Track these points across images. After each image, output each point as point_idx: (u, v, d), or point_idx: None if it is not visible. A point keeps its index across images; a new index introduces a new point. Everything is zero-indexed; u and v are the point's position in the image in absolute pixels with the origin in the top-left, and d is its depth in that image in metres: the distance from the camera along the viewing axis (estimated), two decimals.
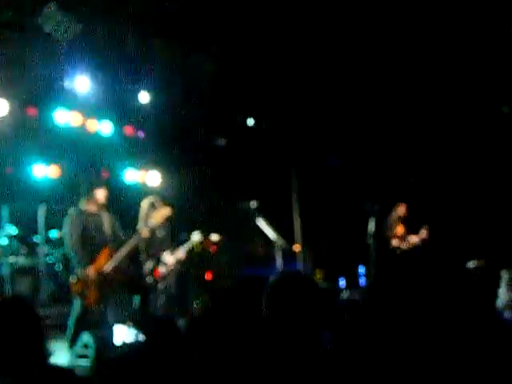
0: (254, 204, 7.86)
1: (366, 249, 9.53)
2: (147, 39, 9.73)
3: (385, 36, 9.86)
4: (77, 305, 6.91)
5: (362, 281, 11.07)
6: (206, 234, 10.62)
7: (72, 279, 6.95)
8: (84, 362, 5.69)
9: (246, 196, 8.12)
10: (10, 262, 9.06)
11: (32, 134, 9.84)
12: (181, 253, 8.12)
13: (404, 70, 10.40)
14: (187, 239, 8.27)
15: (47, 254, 9.67)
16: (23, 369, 2.48)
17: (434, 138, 11.20)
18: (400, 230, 10.23)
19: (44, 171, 9.93)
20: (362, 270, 11.14)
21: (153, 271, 7.89)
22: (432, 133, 11.19)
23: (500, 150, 10.75)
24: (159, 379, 2.41)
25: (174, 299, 8.22)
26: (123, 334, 5.84)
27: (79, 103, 10.08)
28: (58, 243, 9.47)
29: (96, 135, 10.56)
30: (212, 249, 10.64)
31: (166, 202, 8.11)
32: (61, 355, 6.28)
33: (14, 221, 9.44)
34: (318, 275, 10.87)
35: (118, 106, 10.64)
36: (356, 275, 11.12)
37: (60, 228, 8.02)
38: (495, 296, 4.73)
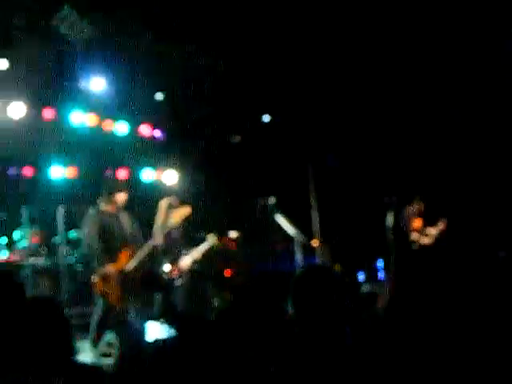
0: (272, 200, 7.87)
1: (385, 242, 9.50)
2: (160, 38, 9.75)
3: (385, 36, 9.89)
4: (100, 304, 6.96)
5: (381, 274, 11.05)
6: (223, 233, 10.66)
7: (94, 279, 6.99)
8: (108, 361, 5.72)
9: (264, 192, 8.12)
10: (31, 263, 9.14)
11: (49, 135, 9.91)
12: (197, 253, 8.17)
13: (417, 59, 10.38)
14: (204, 239, 8.31)
15: (67, 255, 9.72)
16: (53, 366, 2.51)
17: (452, 130, 11.14)
18: (418, 222, 10.18)
19: (62, 172, 10.00)
20: (380, 263, 11.12)
21: (170, 270, 7.93)
22: (449, 125, 11.13)
23: None
24: (191, 374, 2.42)
25: (192, 297, 8.26)
26: (156, 331, 5.88)
27: (95, 104, 10.13)
28: (78, 244, 9.52)
29: (112, 135, 10.61)
30: (231, 246, 10.64)
31: (183, 201, 8.13)
32: (84, 354, 6.31)
33: (34, 222, 9.51)
34: (337, 269, 10.85)
35: (133, 105, 10.68)
36: (375, 269, 11.10)
37: (79, 228, 8.07)
38: None
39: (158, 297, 7.63)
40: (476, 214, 10.54)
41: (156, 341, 5.03)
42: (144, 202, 9.26)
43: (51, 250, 9.71)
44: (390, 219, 9.38)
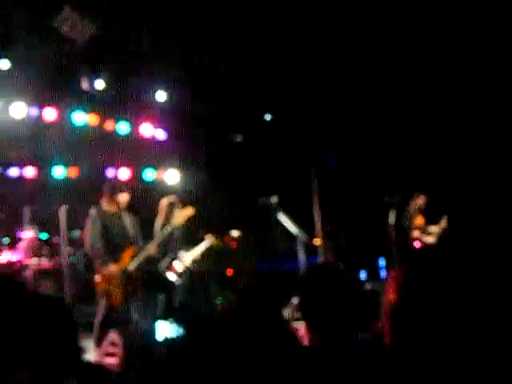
0: (274, 199, 7.86)
1: (386, 241, 9.49)
2: (162, 38, 9.75)
3: (385, 36, 9.90)
4: (103, 303, 6.96)
5: (383, 273, 11.04)
6: (225, 232, 10.67)
7: (97, 278, 7.00)
8: (112, 360, 5.72)
9: (266, 191, 8.11)
10: (33, 263, 9.14)
11: (50, 135, 9.92)
12: (196, 253, 8.19)
13: (416, 59, 10.39)
14: (203, 239, 8.34)
15: (70, 255, 9.71)
16: (64, 366, 2.51)
17: (451, 128, 11.15)
18: (420, 220, 10.20)
19: (63, 172, 10.00)
20: (382, 262, 11.12)
21: (168, 269, 7.94)
22: (449, 122, 11.14)
23: None
24: (201, 372, 2.42)
25: (194, 296, 8.27)
26: (165, 330, 5.89)
27: (96, 103, 10.14)
28: (80, 243, 9.51)
29: (114, 135, 10.61)
30: (232, 245, 10.66)
31: (185, 201, 8.14)
32: (88, 354, 6.31)
33: (36, 222, 9.50)
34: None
35: (134, 105, 10.69)
36: (376, 267, 11.10)
37: (82, 228, 8.07)
38: None
39: (160, 297, 7.64)
40: (478, 211, 10.54)
41: (165, 340, 5.03)
42: (146, 201, 9.26)
43: (53, 250, 9.70)
44: (392, 217, 9.38)
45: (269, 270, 10.58)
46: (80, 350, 2.72)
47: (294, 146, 11.34)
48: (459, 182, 10.96)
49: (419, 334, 2.76)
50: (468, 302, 3.02)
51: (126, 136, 10.83)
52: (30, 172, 9.97)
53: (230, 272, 10.33)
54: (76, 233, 9.77)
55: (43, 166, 9.91)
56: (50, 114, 9.83)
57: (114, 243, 7.10)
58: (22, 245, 9.34)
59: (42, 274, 9.27)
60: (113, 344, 5.87)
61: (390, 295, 3.87)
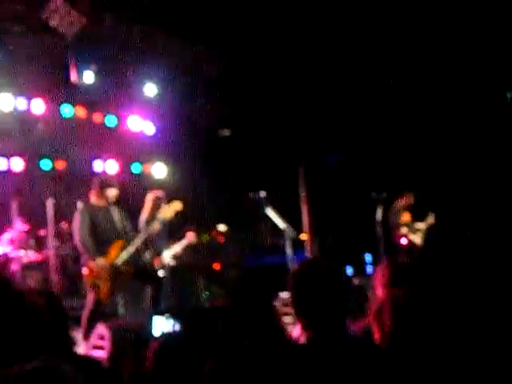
0: (262, 194, 7.87)
1: (373, 237, 9.54)
2: (152, 31, 9.73)
3: (379, 36, 9.93)
4: (90, 297, 6.96)
5: (369, 268, 11.10)
6: (212, 226, 10.68)
7: (84, 271, 6.99)
8: (100, 353, 5.72)
9: (254, 186, 8.12)
10: (20, 255, 9.09)
11: (38, 127, 9.87)
12: (176, 249, 8.20)
13: (413, 55, 10.43)
14: (183, 235, 8.36)
15: (57, 248, 9.67)
16: (54, 355, 2.52)
17: (441, 126, 11.21)
18: (407, 216, 10.26)
19: (51, 165, 9.96)
20: (368, 258, 11.18)
21: (152, 261, 7.94)
22: (438, 120, 11.20)
23: (506, 137, 10.75)
24: (198, 367, 2.43)
25: (180, 290, 8.28)
26: (161, 325, 5.89)
27: (85, 96, 10.10)
28: (68, 236, 9.48)
29: (102, 128, 10.58)
30: (220, 239, 10.67)
31: (171, 195, 8.13)
32: (76, 347, 6.31)
33: (23, 215, 9.45)
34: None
35: (123, 98, 10.66)
36: (363, 263, 11.15)
37: (69, 221, 8.04)
38: None
39: (148, 289, 7.64)
40: (465, 209, 10.62)
41: (162, 335, 5.05)
42: (133, 195, 9.24)
43: (40, 243, 9.66)
44: (379, 214, 9.42)
45: (257, 264, 10.60)
46: (72, 342, 2.74)
47: (282, 140, 11.36)
48: (446, 179, 11.03)
49: (409, 329, 2.79)
50: (455, 298, 3.06)
51: (115, 128, 10.80)
52: (17, 164, 9.90)
53: (217, 266, 10.35)
54: (64, 226, 9.73)
55: (31, 158, 9.85)
56: (37, 106, 9.77)
57: (102, 237, 7.09)
58: (8, 237, 9.29)
59: (28, 266, 9.23)
60: (101, 337, 5.89)
61: (377, 291, 3.90)
